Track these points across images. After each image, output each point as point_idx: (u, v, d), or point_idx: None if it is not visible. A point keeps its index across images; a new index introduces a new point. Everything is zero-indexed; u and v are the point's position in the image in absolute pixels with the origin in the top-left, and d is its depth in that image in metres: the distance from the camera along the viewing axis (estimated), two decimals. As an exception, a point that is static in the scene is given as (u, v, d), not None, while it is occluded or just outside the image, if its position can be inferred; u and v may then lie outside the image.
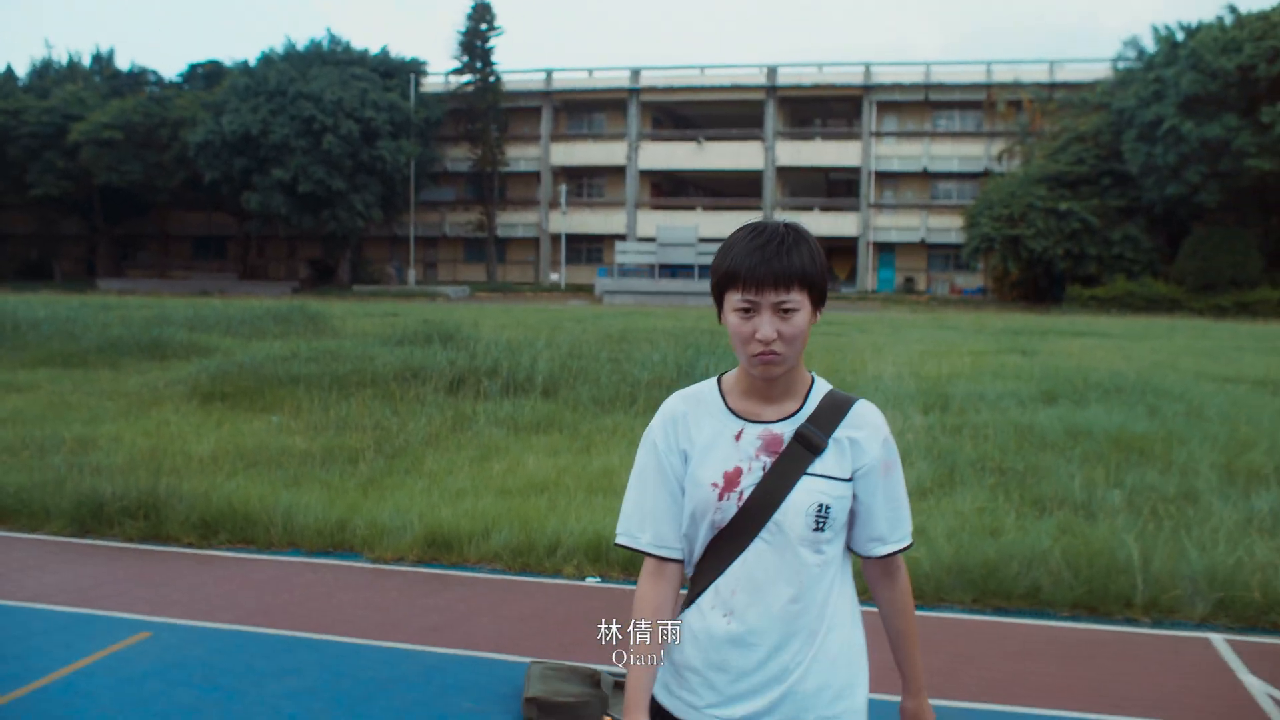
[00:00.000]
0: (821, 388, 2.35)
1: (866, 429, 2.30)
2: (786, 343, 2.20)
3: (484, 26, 65.12)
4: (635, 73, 65.96)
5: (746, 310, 2.20)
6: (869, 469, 2.29)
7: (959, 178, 62.95)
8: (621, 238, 63.99)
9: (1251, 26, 47.16)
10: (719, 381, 2.38)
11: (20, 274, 69.07)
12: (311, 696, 4.74)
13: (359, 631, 5.61)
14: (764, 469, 2.25)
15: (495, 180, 66.58)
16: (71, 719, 4.44)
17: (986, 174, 59.32)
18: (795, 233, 2.25)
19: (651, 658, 2.31)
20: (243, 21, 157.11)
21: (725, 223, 62.56)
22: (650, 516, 2.34)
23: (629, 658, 2.33)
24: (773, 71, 63.92)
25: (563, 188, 64.80)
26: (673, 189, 69.79)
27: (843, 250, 63.75)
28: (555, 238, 66.01)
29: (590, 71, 67.54)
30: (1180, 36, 50.47)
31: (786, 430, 2.27)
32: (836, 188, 68.11)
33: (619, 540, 2.40)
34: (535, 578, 6.57)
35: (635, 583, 5.23)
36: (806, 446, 2.25)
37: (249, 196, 58.71)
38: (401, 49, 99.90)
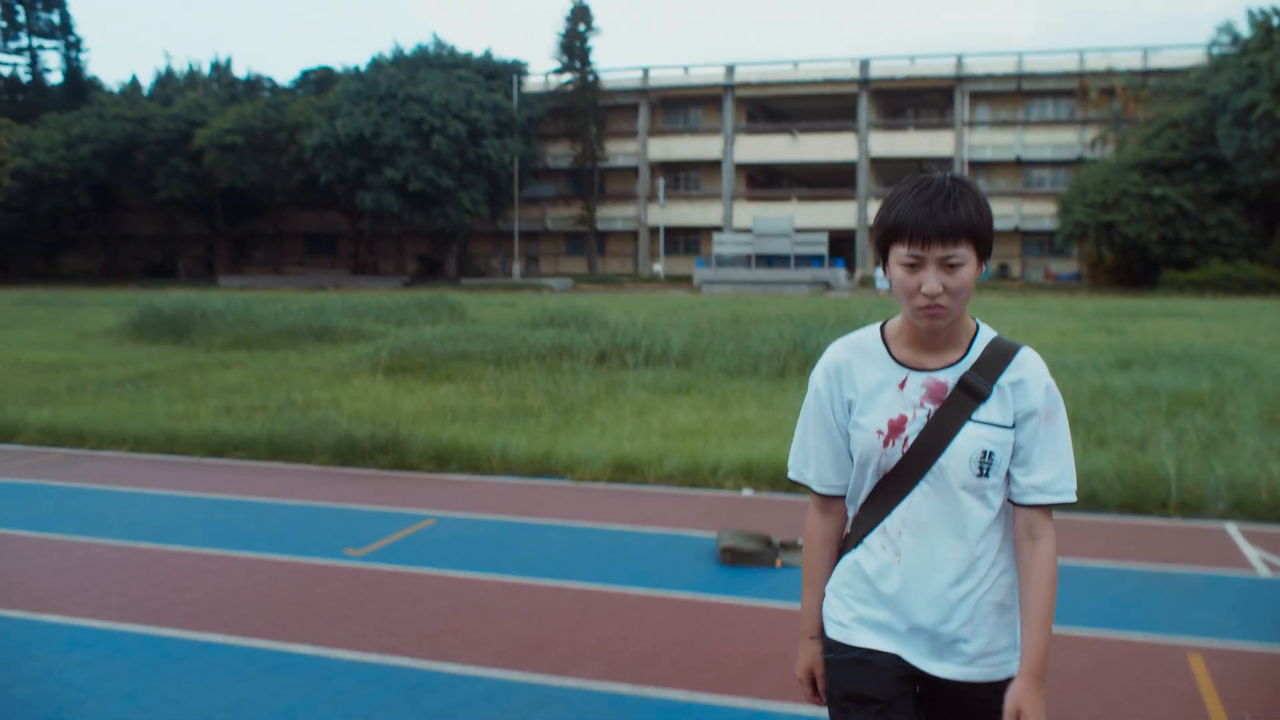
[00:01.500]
0: (986, 335, 2.36)
1: (1029, 375, 2.30)
2: (952, 296, 2.21)
3: (583, 27, 67.43)
4: (730, 69, 67.74)
5: (912, 265, 2.21)
6: (1030, 414, 2.29)
7: (1052, 165, 63.69)
8: (718, 229, 65.81)
9: (1349, 8, 47.45)
10: (882, 329, 2.41)
11: (146, 272, 73.01)
12: (567, 553, 6.75)
13: (583, 518, 7.63)
14: (928, 416, 2.28)
15: (595, 175, 68.87)
16: (419, 559, 6.49)
17: (1080, 161, 60.03)
18: (962, 185, 2.24)
19: (821, 585, 2.47)
20: (351, 28, 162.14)
21: (820, 214, 64.17)
22: (813, 456, 2.43)
23: (803, 586, 2.52)
24: (865, 64, 65.25)
25: (660, 182, 66.79)
26: (767, 181, 71.42)
27: (936, 239, 64.80)
28: (653, 230, 68.06)
29: (686, 69, 69.59)
30: (1276, 21, 50.80)
31: (950, 378, 2.30)
32: (930, 177, 69.11)
33: (790, 475, 2.53)
34: (703, 490, 8.56)
35: (781, 493, 7.32)
36: (970, 394, 2.27)
37: (363, 196, 61.65)
38: (503, 51, 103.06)
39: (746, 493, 8.49)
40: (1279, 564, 6.66)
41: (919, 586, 2.29)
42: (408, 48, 66.56)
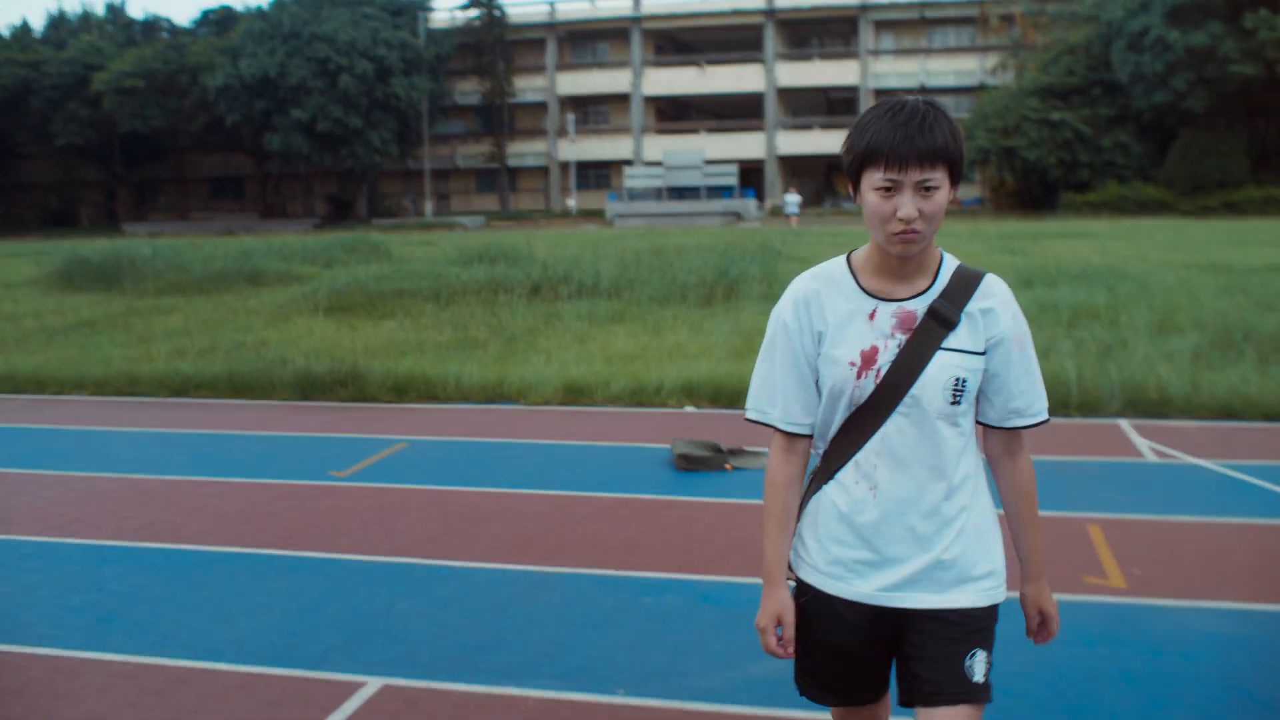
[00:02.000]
0: (951, 263, 2.35)
1: (998, 302, 2.31)
2: (927, 221, 2.19)
3: (487, -39, 66.77)
4: (637, 1, 67.68)
5: (888, 189, 2.18)
6: (1001, 340, 2.30)
7: (955, 92, 64.82)
8: (629, 163, 66.10)
9: (1233, -66, 48.88)
10: (849, 261, 2.38)
11: (44, 221, 71.40)
12: (534, 467, 7.40)
13: (542, 437, 8.28)
14: (899, 346, 2.27)
15: (504, 112, 68.63)
16: (400, 477, 7.09)
17: (981, 88, 61.27)
18: (934, 109, 2.22)
19: (788, 529, 2.41)
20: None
21: (729, 145, 64.78)
22: (780, 393, 2.38)
23: (765, 529, 2.42)
24: (771, -6, 65.65)
25: (570, 116, 66.80)
26: (676, 114, 71.76)
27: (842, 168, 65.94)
28: (564, 165, 68.16)
29: (593, 2, 69.28)
30: (1167, -53, 52.23)
31: (920, 306, 2.29)
32: (836, 106, 70.02)
33: (749, 415, 2.46)
34: (648, 409, 9.25)
35: (721, 408, 8.09)
36: (940, 322, 2.27)
37: (270, 137, 60.87)
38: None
39: (689, 409, 9.20)
40: (1165, 451, 7.56)
41: (898, 518, 2.29)
42: (310, -15, 65.37)
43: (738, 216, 56.06)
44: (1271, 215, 45.71)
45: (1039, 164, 51.68)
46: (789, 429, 2.38)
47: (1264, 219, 43.47)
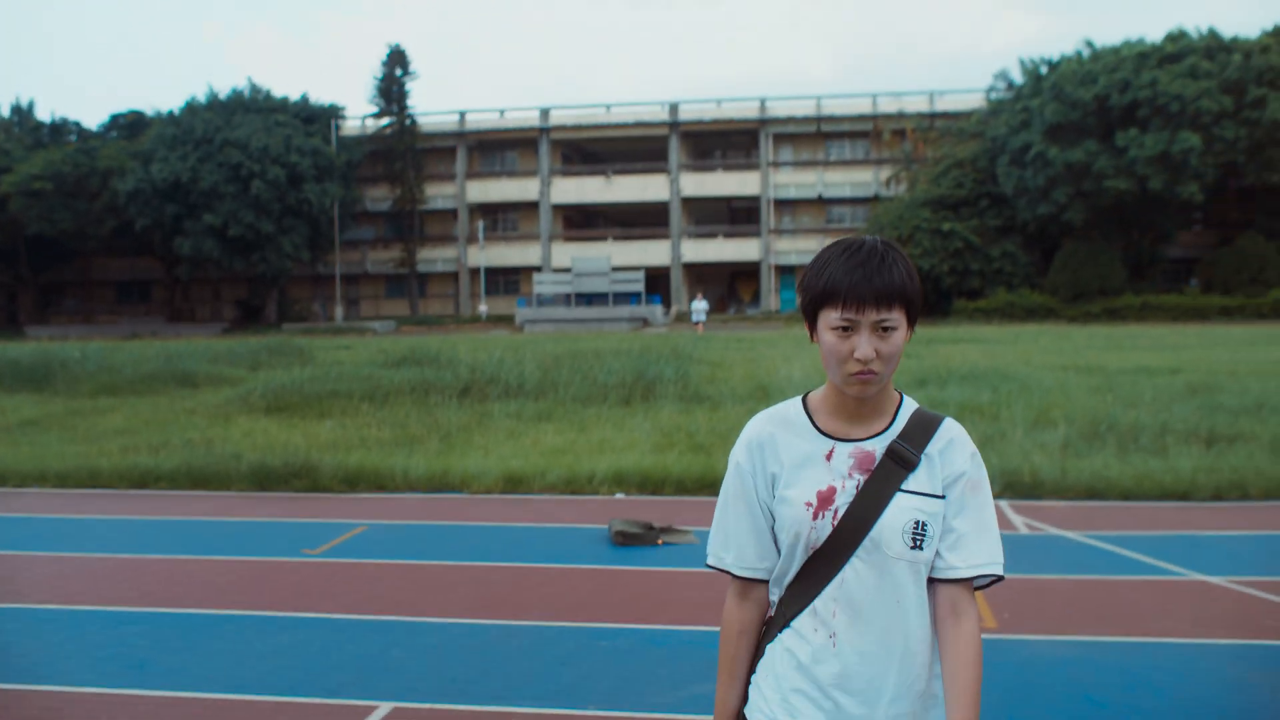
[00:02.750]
0: (909, 406, 2.32)
1: (956, 441, 2.28)
2: (884, 361, 2.18)
3: (399, 72, 68.48)
4: (545, 112, 69.75)
5: (845, 329, 2.16)
6: (956, 481, 2.26)
7: (851, 202, 67.65)
8: (537, 269, 67.52)
9: (1105, 60, 52.33)
10: (804, 402, 2.35)
11: (-58, 323, 70.44)
12: (486, 545, 8.30)
13: (489, 520, 9.19)
14: (857, 487, 2.22)
15: (415, 218, 69.81)
16: (367, 554, 7.95)
17: (876, 198, 64.16)
18: (891, 249, 2.21)
19: (741, 677, 2.37)
20: (159, 72, 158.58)
21: (636, 252, 66.62)
22: (733, 538, 2.34)
23: (718, 676, 2.39)
24: (674, 108, 68.19)
25: (480, 223, 68.24)
26: (584, 221, 73.58)
27: (746, 274, 68.24)
28: (474, 271, 69.35)
29: (502, 112, 71.23)
30: (1044, 70, 55.72)
31: (878, 447, 2.25)
32: (738, 215, 72.42)
33: (708, 561, 2.42)
34: (582, 495, 10.23)
35: (648, 495, 9.20)
36: (899, 463, 2.22)
37: (181, 242, 61.14)
38: (320, 95, 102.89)
39: (619, 495, 10.20)
40: (1035, 525, 8.76)
41: (859, 671, 2.22)
42: (222, 92, 66.37)
43: (645, 322, 57.52)
44: (1148, 321, 48.54)
45: (932, 272, 54.05)
46: (743, 574, 2.34)
47: (1141, 324, 46.17)
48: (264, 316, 68.50)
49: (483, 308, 65.72)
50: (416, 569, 7.65)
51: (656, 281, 65.81)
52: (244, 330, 61.25)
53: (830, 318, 2.19)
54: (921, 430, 2.27)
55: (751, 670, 2.37)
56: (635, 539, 8.15)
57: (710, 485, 9.95)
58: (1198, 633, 6.00)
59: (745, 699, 2.37)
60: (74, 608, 6.80)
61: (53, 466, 11.65)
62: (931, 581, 2.27)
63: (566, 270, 63.08)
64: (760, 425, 2.35)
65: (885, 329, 2.16)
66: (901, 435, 2.25)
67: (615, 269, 61.20)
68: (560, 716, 4.84)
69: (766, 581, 2.35)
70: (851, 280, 2.15)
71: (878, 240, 2.22)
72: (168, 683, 5.37)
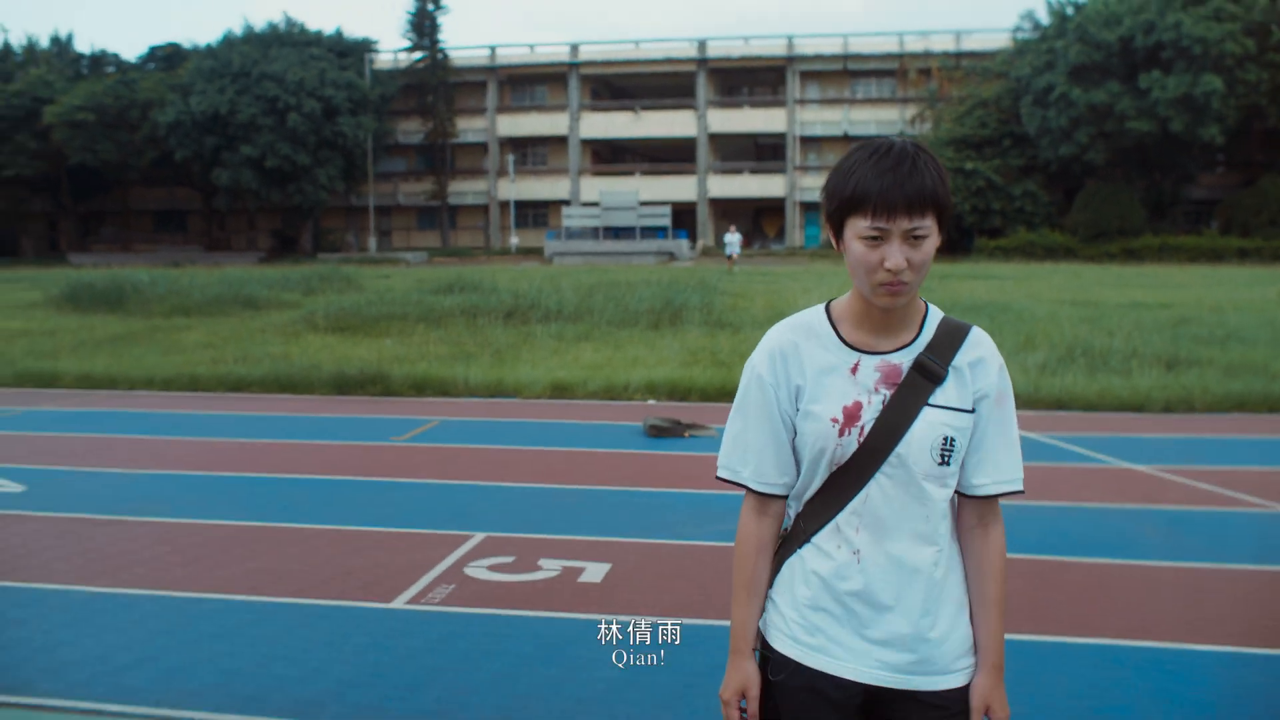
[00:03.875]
0: (936, 315, 2.23)
1: (986, 354, 2.19)
2: (915, 271, 2.07)
3: (431, 7, 69.54)
4: (574, 47, 70.75)
5: (874, 237, 2.05)
6: (986, 395, 2.17)
7: (877, 140, 68.54)
8: (566, 203, 68.87)
9: (1130, 1, 52.95)
10: (828, 311, 2.24)
11: (-15, 250, 72.49)
12: (543, 436, 9.93)
13: (542, 418, 10.84)
14: (884, 402, 2.13)
15: (446, 151, 71.20)
16: (444, 440, 9.59)
17: (901, 137, 64.93)
18: (922, 151, 2.11)
19: (758, 596, 2.27)
20: (192, 4, 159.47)
21: (662, 187, 67.84)
22: (752, 451, 2.24)
23: (734, 595, 2.29)
24: (703, 45, 69.06)
25: (510, 157, 69.53)
26: (612, 156, 74.79)
27: (771, 210, 69.44)
28: (504, 204, 70.80)
29: (532, 47, 72.28)
30: (1070, 10, 56.32)
31: (905, 360, 2.16)
32: (764, 151, 73.39)
33: (720, 474, 2.30)
34: (619, 402, 11.87)
35: (676, 401, 10.94)
36: (926, 376, 2.14)
37: (219, 173, 62.80)
38: (353, 29, 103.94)
39: (650, 402, 11.83)
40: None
41: (885, 587, 2.15)
42: (257, 25, 67.61)
43: (671, 256, 58.87)
44: (1166, 261, 49.58)
45: (955, 210, 55.14)
46: (762, 489, 2.25)
47: (1159, 265, 47.28)
48: (299, 246, 70.19)
49: (514, 239, 67.19)
50: (485, 452, 9.33)
51: (683, 216, 67.07)
52: (280, 259, 62.95)
53: (859, 226, 2.08)
54: (949, 341, 2.18)
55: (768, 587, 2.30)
56: (666, 432, 9.80)
57: (727, 392, 11.55)
58: (1110, 499, 7.59)
59: (761, 615, 2.29)
60: (219, 474, 8.50)
61: (157, 374, 13.37)
62: (958, 494, 2.23)
63: (595, 204, 64.33)
64: (782, 334, 2.25)
65: (916, 237, 2.07)
66: (929, 347, 2.17)
67: (642, 203, 62.39)
68: (610, 542, 6.48)
69: (784, 496, 2.27)
70: (881, 186, 2.05)
71: (907, 142, 2.13)
72: (312, 519, 7.04)
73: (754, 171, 69.65)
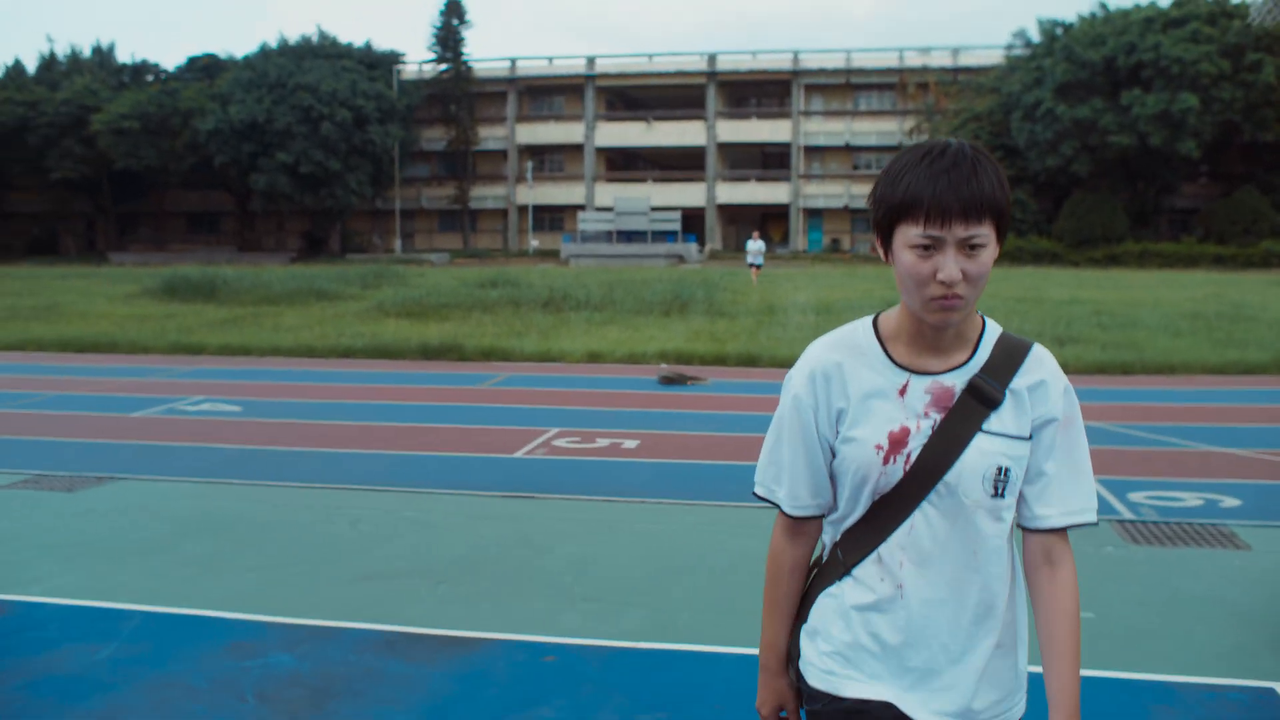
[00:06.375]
0: (993, 331, 2.04)
1: (1049, 377, 2.00)
2: (971, 284, 1.87)
3: (456, 21, 73.57)
4: (590, 60, 74.72)
5: (926, 247, 1.86)
6: (1049, 421, 1.99)
7: (877, 150, 72.36)
8: (581, 208, 72.74)
9: (1114, 22, 56.56)
10: (875, 326, 2.06)
11: (29, 250, 76.48)
12: (582, 384, 13.68)
13: (582, 373, 14.61)
14: (933, 427, 1.95)
15: (468, 158, 75.20)
16: (513, 385, 13.36)
17: (900, 147, 68.46)
18: (980, 154, 1.92)
19: (788, 617, 2.17)
20: (228, 17, 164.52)
21: (673, 194, 71.74)
22: (787, 472, 2.10)
23: (766, 615, 2.19)
24: (713, 59, 72.96)
25: (528, 164, 73.46)
26: (625, 163, 78.68)
27: (776, 216, 73.32)
28: (522, 209, 74.73)
29: (550, 60, 76.26)
30: (1058, 31, 60.03)
31: (958, 382, 1.97)
32: (770, 160, 77.14)
33: (756, 490, 2.18)
34: (639, 365, 15.69)
35: (682, 364, 14.99)
36: (981, 400, 1.95)
37: (256, 178, 66.85)
38: (381, 42, 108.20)
39: (663, 366, 15.65)
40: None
41: (927, 624, 1.99)
42: (292, 38, 71.67)
43: (680, 258, 62.53)
44: (1147, 266, 53.17)
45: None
46: (795, 511, 2.10)
47: (1139, 270, 50.89)
48: (327, 247, 74.13)
49: (534, 242, 71.04)
50: (544, 393, 13.14)
51: (692, 221, 70.85)
52: (310, 260, 66.84)
53: (909, 234, 1.87)
54: (1007, 361, 1.98)
55: (799, 610, 2.17)
56: (673, 381, 13.63)
57: (720, 360, 15.37)
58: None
59: (793, 635, 2.17)
60: (369, 402, 12.31)
61: (281, 345, 17.17)
62: (1021, 528, 2.05)
63: (608, 209, 68.07)
64: (824, 353, 2.05)
65: (973, 246, 1.86)
66: (985, 368, 1.97)
67: (654, 209, 66.04)
68: (637, 431, 10.24)
69: (819, 517, 2.12)
70: (935, 190, 1.84)
71: (964, 144, 1.94)
72: (444, 421, 10.84)
73: (760, 179, 73.50)
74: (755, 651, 2.28)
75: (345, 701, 4.24)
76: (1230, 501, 7.57)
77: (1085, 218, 57.97)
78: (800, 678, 2.14)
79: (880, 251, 1.98)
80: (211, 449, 9.56)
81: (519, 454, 9.29)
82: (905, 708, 2.00)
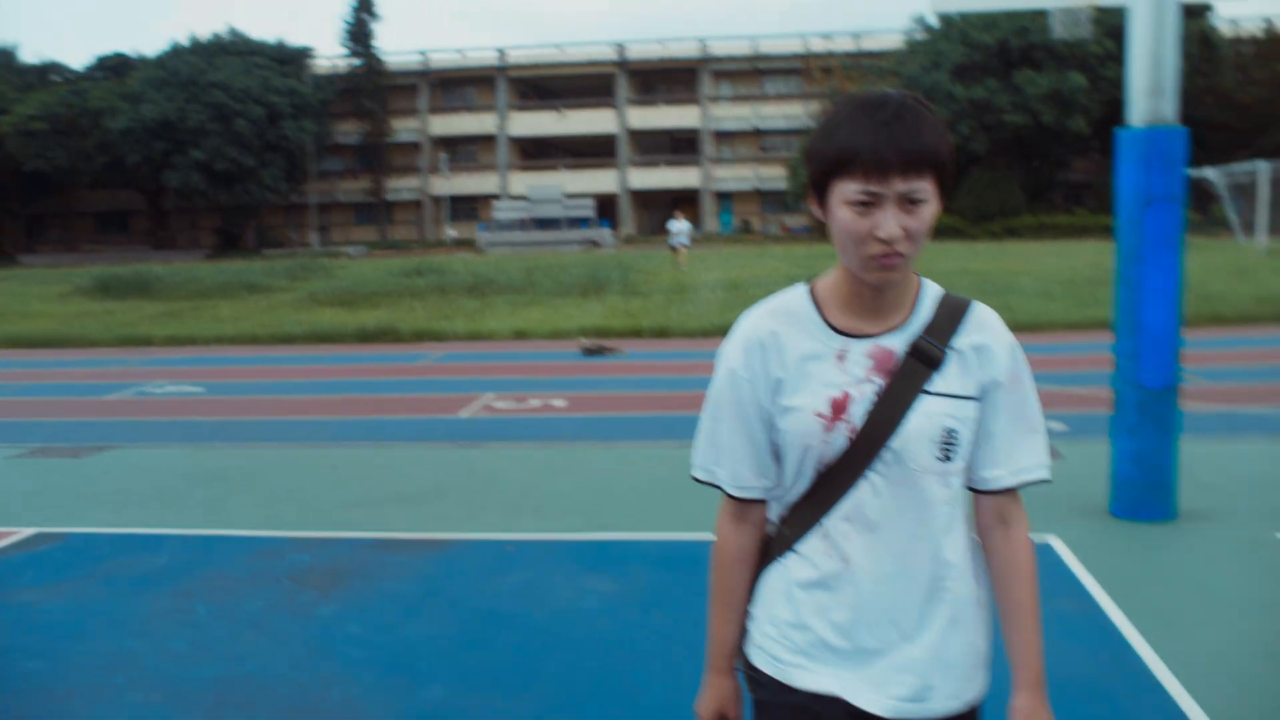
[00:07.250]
0: (932, 291, 1.94)
1: (992, 336, 1.91)
2: (912, 241, 1.77)
3: (366, 16, 74.14)
4: (502, 52, 75.72)
5: (865, 203, 1.74)
6: (995, 382, 1.91)
7: (785, 134, 74.22)
8: (496, 197, 73.67)
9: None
10: (811, 291, 1.95)
11: (-69, 253, 75.49)
12: (512, 358, 15.07)
13: (512, 350, 15.99)
14: (876, 392, 1.85)
15: (382, 151, 75.78)
16: (452, 360, 14.70)
17: (806, 130, 70.70)
18: (919, 103, 1.79)
19: (737, 609, 2.04)
20: (137, 15, 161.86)
21: (586, 181, 73.07)
22: (726, 453, 1.98)
23: (710, 609, 2.07)
24: (622, 48, 74.41)
25: (442, 155, 74.30)
26: (538, 152, 79.77)
27: (687, 200, 74.88)
28: (437, 199, 75.60)
29: (462, 52, 77.17)
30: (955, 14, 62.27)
31: (899, 344, 1.87)
32: (680, 145, 78.69)
33: (695, 474, 2.05)
34: (561, 340, 17.11)
35: (601, 338, 16.54)
36: (924, 361, 1.86)
37: (169, 175, 66.90)
38: (291, 38, 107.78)
39: (583, 340, 17.08)
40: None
41: (876, 599, 1.89)
42: (202, 36, 71.61)
43: (595, 244, 63.77)
44: (1044, 238, 55.55)
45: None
46: (739, 493, 1.98)
47: (1036, 241, 53.18)
48: (242, 243, 74.25)
49: (451, 232, 71.92)
50: (476, 366, 14.55)
51: (605, 207, 72.13)
52: (224, 256, 66.99)
53: (846, 190, 1.75)
54: (949, 319, 1.89)
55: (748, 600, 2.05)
56: (594, 351, 15.15)
57: (635, 333, 16.85)
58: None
59: (743, 632, 2.05)
60: (318, 380, 13.58)
61: (224, 334, 18.32)
62: (974, 492, 1.98)
63: (523, 198, 68.98)
64: (759, 321, 1.94)
65: (913, 202, 1.74)
66: (927, 329, 1.88)
67: (568, 196, 67.06)
68: (564, 393, 11.68)
69: (764, 501, 2.00)
70: (873, 142, 1.72)
71: (905, 94, 1.80)
72: (392, 392, 12.18)
73: (670, 164, 75.11)
74: (668, 537, 3.08)
75: (357, 579, 5.65)
76: (1058, 426, 9.22)
77: (983, 194, 60.28)
78: (746, 661, 2.04)
79: (817, 211, 1.86)
80: (190, 421, 10.84)
81: (462, 414, 10.70)
82: (857, 699, 1.90)
